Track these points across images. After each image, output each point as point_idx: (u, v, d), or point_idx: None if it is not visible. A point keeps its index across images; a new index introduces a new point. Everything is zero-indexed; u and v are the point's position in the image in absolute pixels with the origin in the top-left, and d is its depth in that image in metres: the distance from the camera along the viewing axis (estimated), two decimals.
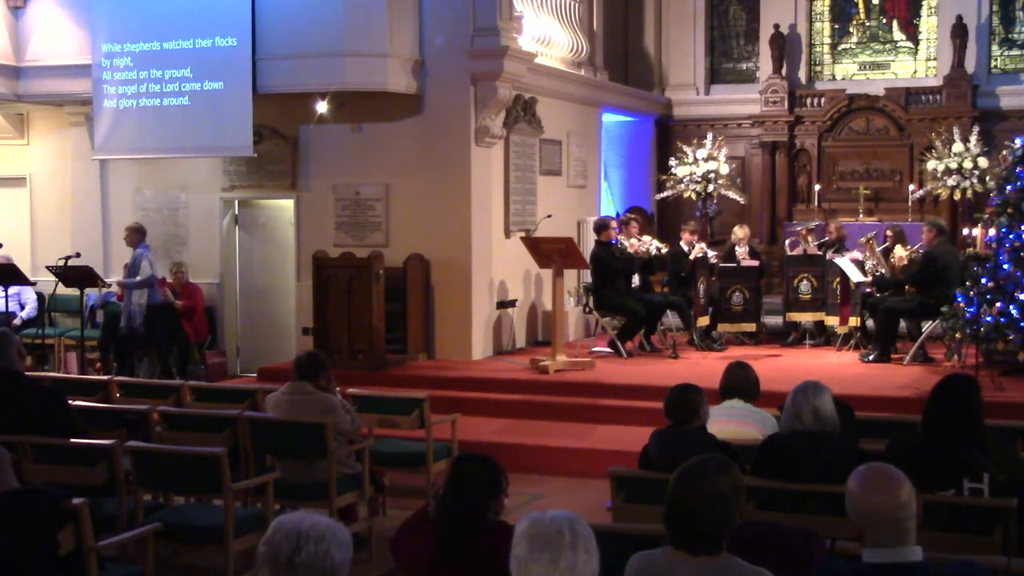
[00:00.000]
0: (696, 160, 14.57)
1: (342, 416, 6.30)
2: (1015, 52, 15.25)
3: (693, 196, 14.75)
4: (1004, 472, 4.47)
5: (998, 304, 9.30)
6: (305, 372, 6.33)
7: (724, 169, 14.62)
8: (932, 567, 2.96)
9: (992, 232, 9.96)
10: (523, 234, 11.53)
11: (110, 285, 11.81)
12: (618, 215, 14.11)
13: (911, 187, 14.51)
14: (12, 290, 11.84)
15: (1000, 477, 4.43)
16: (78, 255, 11.42)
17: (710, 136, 14.95)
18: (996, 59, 15.31)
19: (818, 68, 16.12)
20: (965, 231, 12.62)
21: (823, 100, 15.55)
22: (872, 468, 3.02)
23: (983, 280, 9.53)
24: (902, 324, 11.20)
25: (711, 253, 12.20)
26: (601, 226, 11.58)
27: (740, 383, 5.77)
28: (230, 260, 12.47)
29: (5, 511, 4.07)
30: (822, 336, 12.09)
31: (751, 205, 15.51)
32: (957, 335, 9.84)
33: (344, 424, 6.29)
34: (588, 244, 12.32)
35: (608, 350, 11.51)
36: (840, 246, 12.01)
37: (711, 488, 3.00)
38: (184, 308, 11.62)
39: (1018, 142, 9.96)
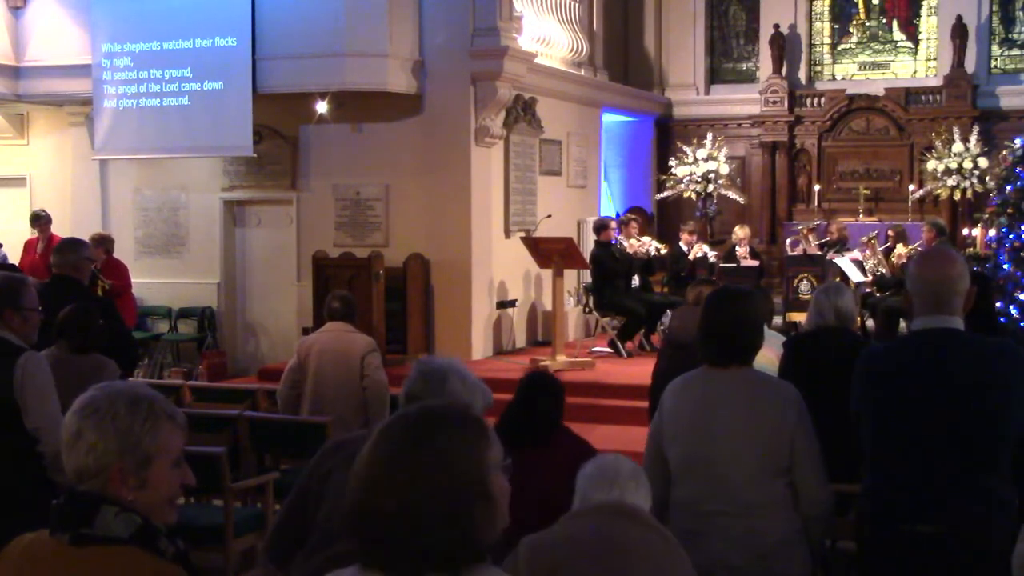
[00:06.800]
0: (696, 160, 14.57)
1: (379, 359, 6.35)
2: (1015, 52, 15.25)
3: (693, 196, 14.75)
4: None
5: (998, 304, 9.29)
6: (345, 312, 6.46)
7: (724, 169, 14.61)
8: (968, 335, 3.16)
9: (992, 232, 9.96)
10: (523, 234, 11.52)
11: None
12: (618, 215, 14.12)
13: (911, 187, 14.51)
14: None
15: None
16: None
17: (710, 136, 14.95)
18: (996, 59, 15.30)
19: (818, 68, 16.11)
20: (965, 231, 12.61)
21: (823, 100, 15.55)
22: (933, 247, 3.28)
23: None
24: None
25: (711, 253, 12.21)
26: (601, 226, 11.57)
27: None
28: (230, 260, 12.47)
29: (5, 509, 4.07)
30: None
31: (751, 205, 15.50)
32: None
33: (381, 373, 6.34)
34: (588, 244, 12.30)
35: (608, 350, 11.50)
36: (842, 246, 12.01)
37: (742, 312, 3.44)
38: (116, 289, 10.17)
39: (1018, 142, 9.95)
